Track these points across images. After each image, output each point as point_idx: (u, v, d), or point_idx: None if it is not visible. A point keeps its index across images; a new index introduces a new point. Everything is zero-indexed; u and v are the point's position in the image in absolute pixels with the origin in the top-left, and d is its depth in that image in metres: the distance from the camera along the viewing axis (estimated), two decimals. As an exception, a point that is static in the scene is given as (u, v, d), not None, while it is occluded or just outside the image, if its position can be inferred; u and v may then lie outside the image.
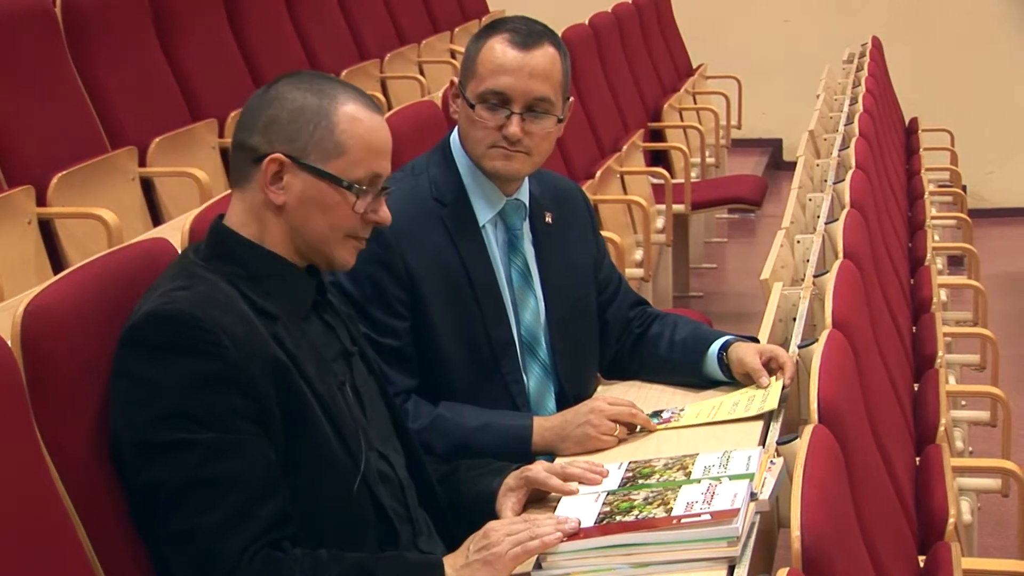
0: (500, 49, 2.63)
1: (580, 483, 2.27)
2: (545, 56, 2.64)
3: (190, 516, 1.98)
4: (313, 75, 2.21)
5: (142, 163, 4.59)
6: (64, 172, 4.13)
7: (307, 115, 2.13)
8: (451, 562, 2.06)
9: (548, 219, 2.78)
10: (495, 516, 2.28)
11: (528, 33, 2.65)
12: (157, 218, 4.54)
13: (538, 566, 2.04)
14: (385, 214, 2.21)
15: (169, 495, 1.99)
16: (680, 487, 2.13)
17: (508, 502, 2.30)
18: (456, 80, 2.71)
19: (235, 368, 2.01)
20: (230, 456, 1.99)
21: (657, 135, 6.82)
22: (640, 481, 2.21)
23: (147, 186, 4.58)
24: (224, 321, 2.03)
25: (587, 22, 6.60)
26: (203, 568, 1.97)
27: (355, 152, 2.14)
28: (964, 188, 6.91)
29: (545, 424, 2.56)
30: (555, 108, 2.65)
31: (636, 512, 2.08)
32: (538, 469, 2.32)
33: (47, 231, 4.02)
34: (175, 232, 2.61)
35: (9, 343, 1.96)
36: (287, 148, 2.13)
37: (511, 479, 2.33)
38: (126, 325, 2.06)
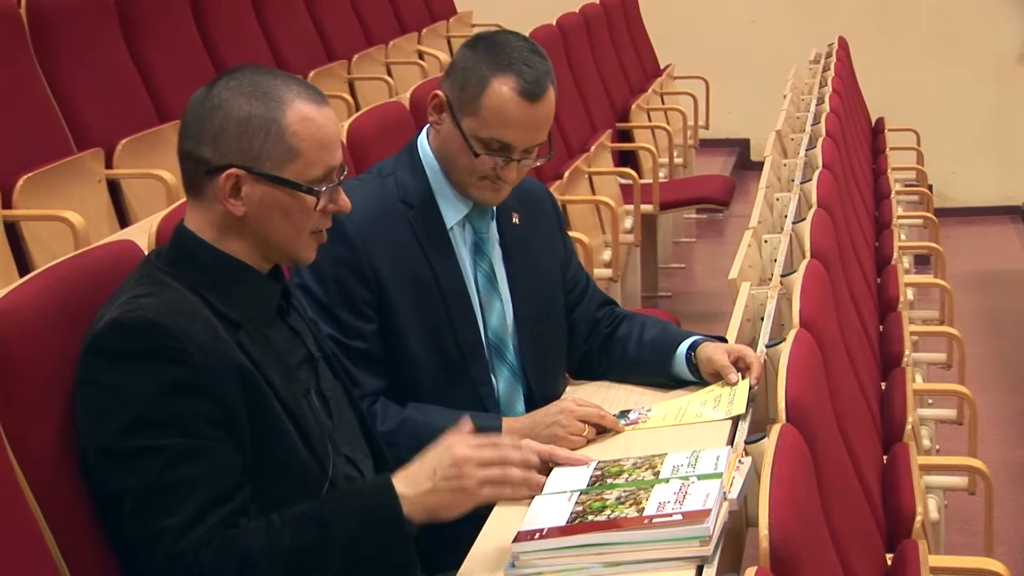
0: (510, 98, 2.58)
1: (567, 462, 2.33)
2: (548, 104, 2.63)
3: (156, 519, 1.97)
4: (254, 74, 2.14)
5: (108, 165, 4.56)
6: (30, 174, 4.10)
7: (255, 123, 2.09)
8: (410, 482, 2.05)
9: (515, 220, 2.79)
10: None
11: (535, 81, 2.60)
12: (124, 220, 4.52)
13: (511, 565, 2.04)
14: (344, 202, 2.19)
15: (136, 500, 1.98)
16: (652, 487, 2.14)
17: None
18: (443, 95, 2.66)
19: (201, 375, 2.00)
20: (195, 460, 1.99)
21: (625, 135, 6.83)
22: (609, 480, 2.22)
23: (113, 188, 4.55)
24: (190, 328, 2.02)
25: (555, 23, 6.60)
26: (170, 566, 1.97)
27: (309, 153, 2.11)
28: (930, 187, 6.94)
29: (514, 425, 2.57)
30: (545, 143, 2.66)
31: (608, 512, 2.08)
32: (536, 443, 2.35)
33: (12, 233, 4.00)
34: (142, 234, 2.60)
35: (-26, 346, 1.95)
36: (240, 159, 2.09)
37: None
38: (90, 333, 2.04)
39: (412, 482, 2.06)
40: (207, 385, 2.01)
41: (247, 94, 2.11)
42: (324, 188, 2.14)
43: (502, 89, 2.59)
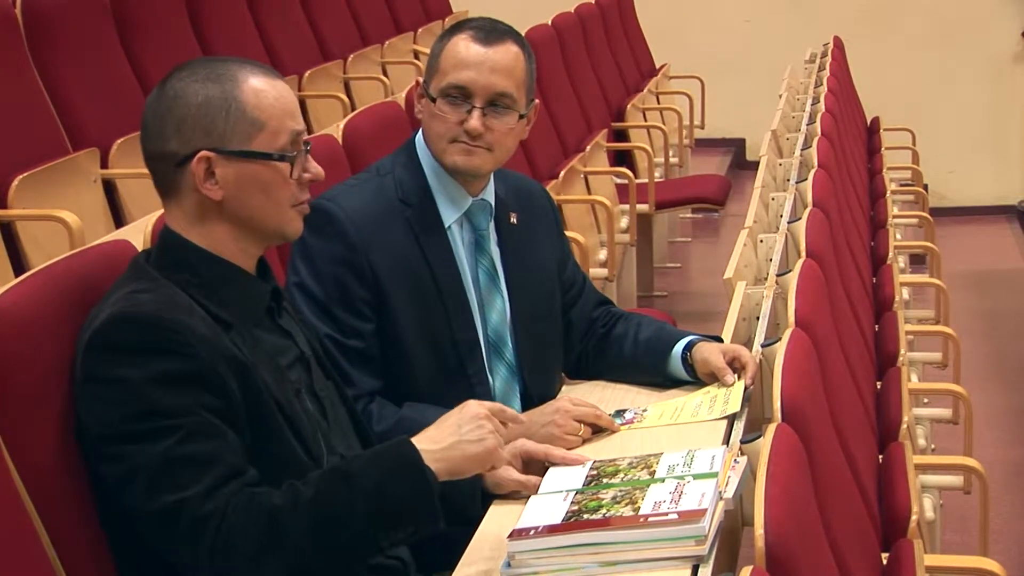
0: (463, 45, 2.65)
1: (563, 462, 2.33)
2: (507, 52, 2.65)
3: (175, 491, 1.96)
4: (202, 62, 2.18)
5: (104, 165, 4.56)
6: (25, 174, 4.10)
7: (214, 104, 2.11)
8: (431, 439, 2.08)
9: (513, 219, 2.79)
10: (481, 494, 2.31)
11: (491, 30, 2.67)
12: (119, 220, 4.52)
13: (506, 565, 2.04)
14: (316, 168, 2.20)
15: (150, 476, 1.97)
16: (648, 486, 2.14)
17: (511, 470, 2.33)
18: (420, 80, 2.71)
19: (204, 367, 2.01)
20: (207, 438, 2.00)
21: (621, 135, 6.83)
22: (604, 480, 2.22)
23: (109, 188, 4.55)
24: (189, 322, 2.03)
25: (550, 23, 6.60)
26: (195, 535, 1.96)
27: (272, 122, 2.13)
28: (925, 187, 6.94)
29: (511, 424, 2.56)
30: (517, 104, 2.66)
31: (604, 511, 2.08)
32: (532, 443, 2.36)
33: (8, 233, 3.99)
34: (137, 234, 2.61)
35: (-30, 346, 1.95)
36: (207, 142, 2.11)
37: (504, 451, 2.35)
38: (90, 329, 2.04)
39: (434, 439, 2.08)
40: (209, 377, 2.01)
41: (200, 79, 2.13)
42: (295, 154, 2.15)
43: (457, 41, 2.67)
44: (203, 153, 2.11)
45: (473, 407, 2.12)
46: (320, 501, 2.00)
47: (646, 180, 6.17)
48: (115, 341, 2.02)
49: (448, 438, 2.08)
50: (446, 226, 2.69)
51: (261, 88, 2.14)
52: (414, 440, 2.08)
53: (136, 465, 1.98)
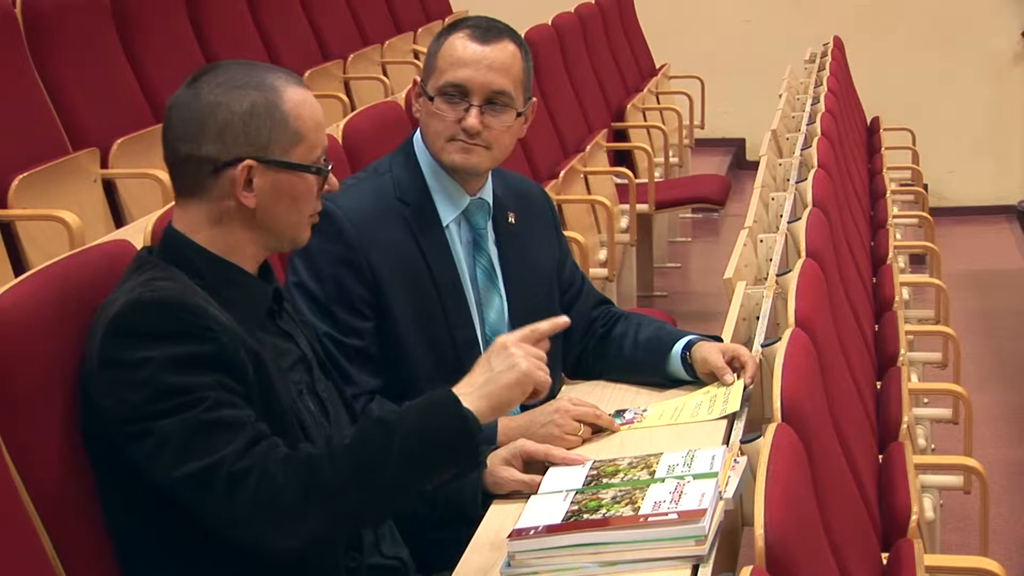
0: (460, 43, 2.65)
1: (563, 462, 2.33)
2: (504, 50, 2.65)
3: (209, 454, 1.96)
4: (236, 68, 2.17)
5: (104, 164, 4.56)
6: (25, 174, 4.10)
7: (259, 112, 2.11)
8: (468, 383, 2.12)
9: (511, 219, 2.79)
10: (481, 495, 2.32)
11: (488, 29, 2.67)
12: (119, 220, 4.52)
13: (507, 564, 2.04)
14: (335, 181, 2.22)
15: (181, 443, 1.97)
16: (648, 486, 2.14)
17: (512, 470, 2.34)
18: (418, 79, 2.71)
19: (226, 352, 2.02)
20: (231, 407, 2.00)
21: (621, 135, 6.83)
22: (604, 480, 2.22)
23: (109, 188, 4.55)
24: (210, 309, 2.04)
25: (550, 23, 6.60)
26: (233, 491, 1.96)
27: (310, 135, 2.15)
28: (925, 187, 6.95)
29: (510, 423, 2.56)
30: (515, 102, 2.66)
31: (604, 511, 2.08)
32: (532, 443, 2.36)
33: (8, 233, 3.99)
34: (137, 234, 2.61)
35: (-30, 346, 1.95)
36: (251, 151, 2.11)
37: (504, 451, 2.37)
38: (105, 317, 2.03)
39: (469, 383, 2.12)
40: (231, 362, 2.02)
41: (241, 87, 2.12)
42: (329, 167, 2.18)
43: (454, 39, 2.67)
44: (248, 162, 2.10)
45: (498, 341, 2.17)
46: (357, 447, 2.02)
47: (646, 180, 6.17)
48: (137, 325, 2.01)
49: (481, 377, 2.12)
50: (444, 225, 2.69)
51: (300, 100, 2.15)
52: (453, 389, 2.10)
53: (165, 436, 1.98)
